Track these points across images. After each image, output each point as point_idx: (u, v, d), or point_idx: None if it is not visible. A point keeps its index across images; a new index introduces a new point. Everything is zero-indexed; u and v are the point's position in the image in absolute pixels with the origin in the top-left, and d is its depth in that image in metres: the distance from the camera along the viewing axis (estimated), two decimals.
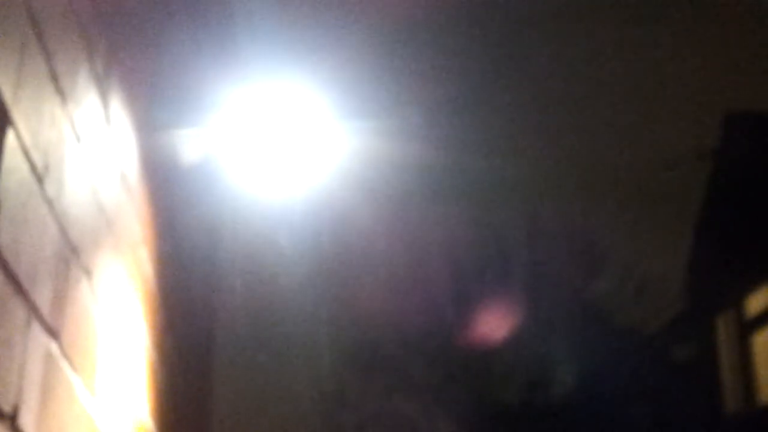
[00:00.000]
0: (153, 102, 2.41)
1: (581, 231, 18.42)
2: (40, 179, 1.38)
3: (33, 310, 1.36)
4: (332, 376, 19.43)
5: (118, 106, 1.98)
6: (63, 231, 1.52)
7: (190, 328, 3.58)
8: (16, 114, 1.26)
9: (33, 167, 1.34)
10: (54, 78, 1.46)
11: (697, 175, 13.96)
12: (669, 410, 14.42)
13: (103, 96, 1.83)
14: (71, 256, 1.58)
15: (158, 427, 2.75)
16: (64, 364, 1.55)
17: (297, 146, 2.73)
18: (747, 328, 12.51)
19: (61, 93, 1.49)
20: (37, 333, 1.39)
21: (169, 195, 2.77)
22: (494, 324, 18.52)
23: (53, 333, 1.47)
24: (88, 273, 1.71)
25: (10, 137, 1.24)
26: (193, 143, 2.68)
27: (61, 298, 1.52)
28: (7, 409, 1.25)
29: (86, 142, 1.67)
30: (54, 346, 1.48)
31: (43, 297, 1.41)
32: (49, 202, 1.43)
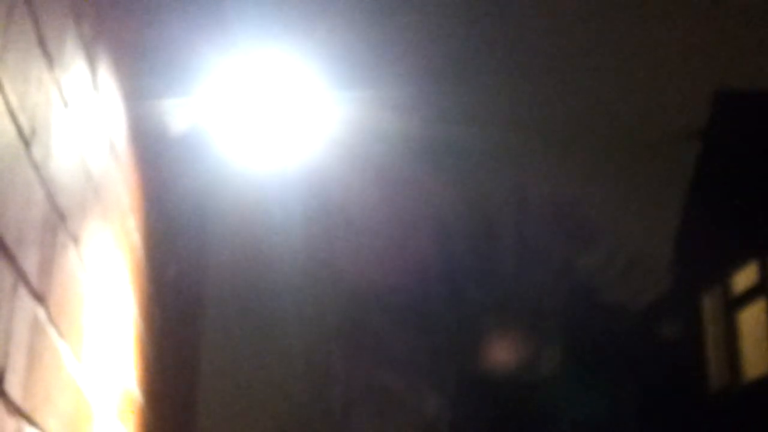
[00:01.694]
0: (142, 70, 2.40)
1: (570, 207, 18.45)
2: (26, 143, 1.36)
3: (20, 274, 1.35)
4: (320, 350, 19.46)
5: (106, 73, 1.97)
6: (50, 196, 1.51)
7: (179, 298, 3.58)
8: (3, 75, 1.25)
9: (19, 130, 1.33)
10: (41, 42, 1.44)
11: (687, 152, 13.99)
12: (655, 386, 14.50)
13: (91, 62, 1.81)
14: (58, 221, 1.57)
15: (145, 396, 2.76)
16: (50, 330, 1.54)
17: (286, 116, 2.72)
18: (733, 305, 12.57)
19: (48, 57, 1.48)
20: (24, 298, 1.38)
21: (157, 164, 2.76)
22: (481, 298, 18.55)
23: (40, 298, 1.46)
24: (75, 240, 1.71)
25: None
26: (182, 112, 2.67)
27: (48, 263, 1.51)
28: None
29: (74, 107, 1.65)
30: (41, 312, 1.47)
31: (30, 262, 1.40)
32: (36, 167, 1.42)
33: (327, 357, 19.59)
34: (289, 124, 2.76)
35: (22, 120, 1.34)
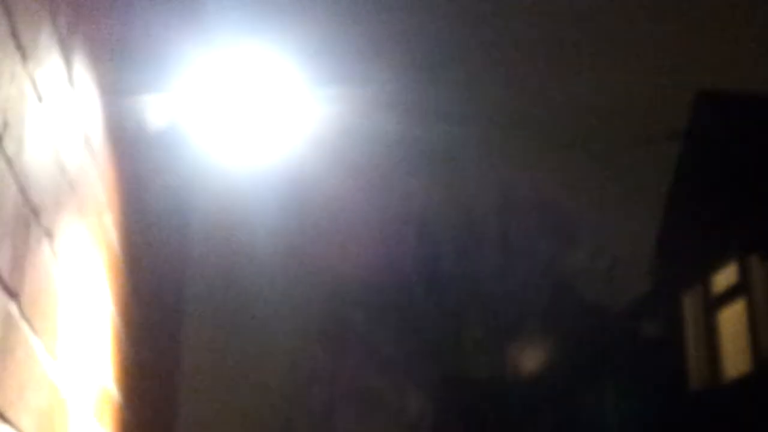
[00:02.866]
0: (119, 65, 2.38)
1: (553, 208, 18.49)
2: None
3: None
4: (303, 350, 19.43)
5: (82, 67, 1.95)
6: (23, 190, 1.49)
7: (158, 295, 3.56)
8: None
9: None
10: (14, 35, 1.43)
11: (668, 153, 14.04)
12: (637, 385, 14.55)
13: (67, 57, 1.80)
14: (31, 216, 1.56)
15: (123, 395, 2.74)
16: (23, 326, 1.52)
17: (266, 112, 2.71)
18: (713, 304, 12.62)
19: (22, 50, 1.46)
20: None
21: (135, 161, 2.74)
22: (464, 297, 18.56)
23: (12, 293, 1.45)
24: (49, 234, 1.69)
25: None
26: (160, 108, 2.65)
27: (20, 258, 1.49)
28: None
29: (48, 102, 1.64)
30: (13, 307, 1.46)
31: (1, 256, 1.38)
32: (8, 160, 1.41)
33: (309, 356, 19.57)
34: (269, 120, 2.75)
35: None
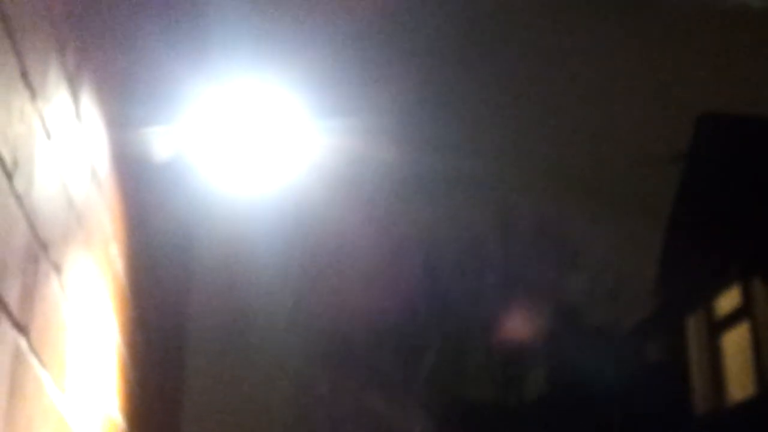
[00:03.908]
0: (125, 99, 2.41)
1: (554, 230, 18.50)
2: (8, 174, 1.38)
3: (1, 305, 1.36)
4: (305, 372, 19.42)
5: (89, 102, 1.98)
6: (32, 226, 1.52)
7: (162, 324, 3.58)
8: None
9: (2, 163, 1.34)
10: (24, 74, 1.46)
11: (670, 175, 14.06)
12: (640, 409, 14.51)
13: (74, 92, 1.83)
14: (40, 251, 1.58)
15: (128, 423, 2.76)
16: (32, 360, 1.55)
17: (269, 144, 2.74)
18: (717, 328, 12.61)
19: (31, 88, 1.49)
20: (6, 328, 1.39)
21: (140, 192, 2.77)
22: (467, 321, 18.56)
23: (22, 328, 1.47)
24: (57, 269, 1.72)
25: None
26: (165, 140, 2.68)
27: (29, 293, 1.52)
28: None
29: (56, 138, 1.67)
30: (23, 342, 1.48)
31: (11, 292, 1.41)
32: (18, 198, 1.43)
33: (313, 380, 19.54)
34: (273, 151, 2.78)
35: (4, 152, 1.35)
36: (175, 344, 4.23)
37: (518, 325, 18.34)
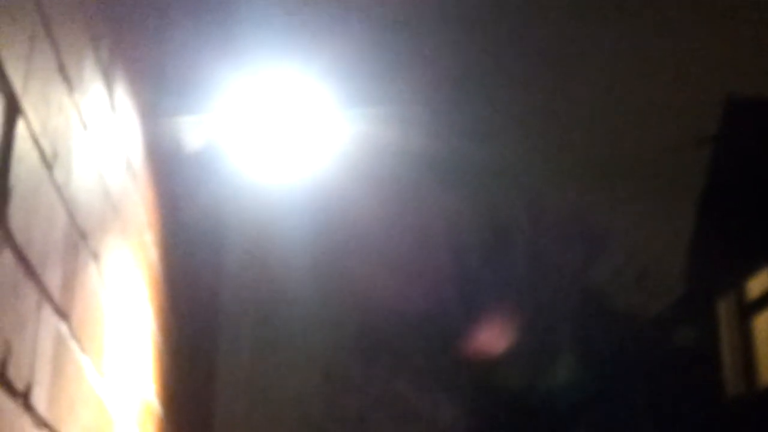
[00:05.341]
0: (157, 89, 2.46)
1: (582, 216, 18.45)
2: (49, 166, 1.42)
3: (44, 292, 1.41)
4: (336, 360, 19.50)
5: (122, 94, 2.03)
6: (71, 216, 1.57)
7: (195, 311, 3.64)
8: (26, 103, 1.31)
9: (42, 154, 1.39)
10: (61, 68, 1.50)
11: (698, 159, 13.99)
12: (670, 393, 14.48)
13: (109, 84, 1.87)
14: (79, 240, 1.63)
15: (164, 408, 2.81)
16: (73, 345, 1.60)
17: (299, 132, 2.78)
18: (747, 311, 12.56)
19: (68, 82, 1.54)
20: (48, 314, 1.44)
21: (173, 181, 2.82)
22: (496, 309, 18.56)
23: (63, 315, 1.52)
24: (95, 257, 1.77)
25: (21, 126, 1.29)
26: (196, 130, 2.73)
27: (70, 281, 1.57)
28: (21, 387, 1.30)
29: (92, 129, 1.72)
30: (64, 328, 1.53)
31: (53, 280, 1.46)
32: (58, 189, 1.48)
33: (343, 367, 19.63)
34: (302, 140, 2.82)
35: (45, 144, 1.40)
36: (208, 332, 4.29)
37: (546, 311, 18.32)
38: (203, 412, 4.35)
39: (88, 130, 1.68)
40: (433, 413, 19.20)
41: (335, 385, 19.57)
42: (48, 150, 1.41)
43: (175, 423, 3.12)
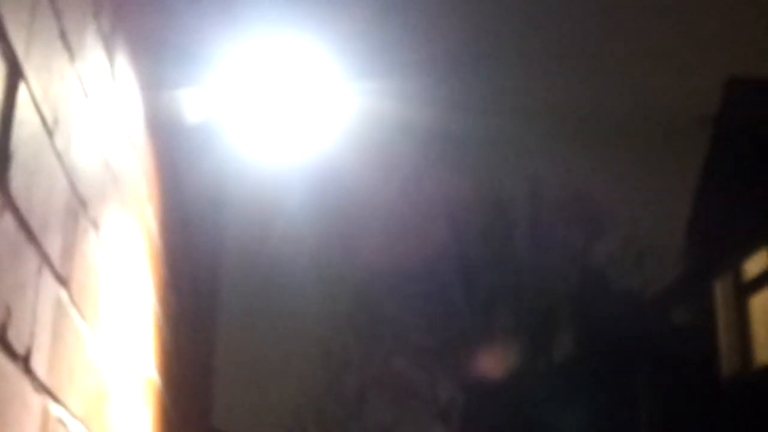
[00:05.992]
0: (158, 61, 2.46)
1: (582, 194, 18.46)
2: (50, 132, 1.42)
3: (44, 257, 1.41)
4: (335, 338, 19.55)
5: (123, 64, 2.02)
6: (72, 183, 1.57)
7: (195, 285, 3.64)
8: (28, 69, 1.31)
9: (43, 120, 1.39)
10: (63, 35, 1.50)
11: (698, 140, 13.99)
12: (667, 372, 14.53)
13: (110, 54, 1.87)
14: (80, 208, 1.63)
15: (163, 380, 2.82)
16: (73, 312, 1.60)
17: (301, 106, 2.78)
18: (745, 291, 12.58)
19: (70, 49, 1.54)
20: (48, 280, 1.44)
21: (173, 154, 2.82)
22: (495, 285, 18.58)
23: (63, 281, 1.53)
24: (95, 226, 1.77)
25: (23, 91, 1.29)
26: (197, 102, 2.73)
27: (70, 247, 1.57)
28: (21, 350, 1.31)
29: (93, 98, 1.71)
30: (64, 294, 1.54)
31: (53, 245, 1.46)
32: (59, 155, 1.48)
33: (341, 345, 19.67)
34: (303, 113, 2.82)
35: (46, 111, 1.40)
36: (207, 306, 4.30)
37: (546, 290, 18.35)
38: (202, 387, 4.37)
39: (89, 99, 1.68)
40: (432, 391, 19.27)
41: (334, 362, 19.63)
42: (49, 116, 1.41)
43: (175, 396, 3.14)
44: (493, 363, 18.26)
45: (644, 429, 14.67)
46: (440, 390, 19.29)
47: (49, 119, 1.42)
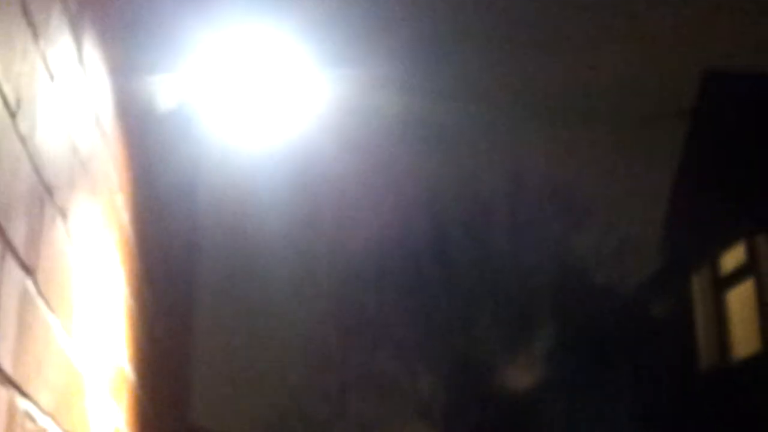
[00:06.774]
0: (128, 45, 2.39)
1: (562, 186, 18.47)
2: (12, 114, 1.36)
3: (7, 244, 1.35)
4: (315, 334, 19.47)
5: (91, 47, 1.96)
6: (37, 169, 1.51)
7: (170, 277, 3.58)
8: None
9: (5, 101, 1.32)
10: (26, 12, 1.44)
11: (675, 132, 14.02)
12: (646, 365, 14.57)
13: (77, 36, 1.81)
14: (45, 195, 1.57)
15: (137, 374, 2.76)
16: (40, 302, 1.54)
17: (274, 92, 2.72)
18: (722, 285, 12.62)
19: (33, 27, 1.47)
20: (12, 268, 1.38)
21: (145, 141, 2.75)
22: (474, 277, 18.56)
23: (28, 270, 1.46)
24: (63, 214, 1.70)
25: None
26: (170, 89, 2.66)
27: (35, 235, 1.51)
28: None
29: (60, 81, 1.65)
30: (29, 283, 1.47)
31: (17, 233, 1.40)
32: (22, 139, 1.42)
33: (321, 339, 19.61)
34: (277, 100, 2.76)
35: (7, 90, 1.33)
36: (182, 299, 4.24)
37: (526, 283, 18.35)
38: (179, 383, 4.30)
39: (55, 82, 1.62)
40: (413, 386, 19.24)
41: (314, 357, 19.56)
42: (11, 96, 1.35)
43: (150, 391, 3.07)
44: (473, 357, 18.25)
45: (624, 421, 14.70)
46: (422, 384, 19.26)
47: (11, 100, 1.35)
